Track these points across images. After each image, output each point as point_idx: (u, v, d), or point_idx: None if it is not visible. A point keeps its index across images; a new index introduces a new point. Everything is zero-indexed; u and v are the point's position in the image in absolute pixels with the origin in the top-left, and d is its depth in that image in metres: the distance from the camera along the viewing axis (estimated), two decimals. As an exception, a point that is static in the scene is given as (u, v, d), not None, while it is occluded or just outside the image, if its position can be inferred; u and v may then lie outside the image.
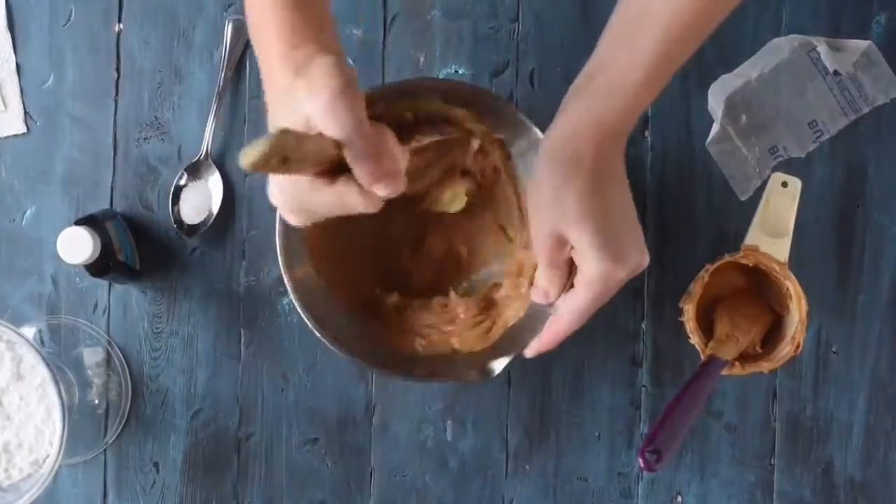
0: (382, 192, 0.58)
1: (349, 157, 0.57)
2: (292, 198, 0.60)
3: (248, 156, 0.50)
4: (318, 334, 0.75)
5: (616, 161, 0.64)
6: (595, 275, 0.63)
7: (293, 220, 0.62)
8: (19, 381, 0.79)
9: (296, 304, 0.75)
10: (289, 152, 0.52)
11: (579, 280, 0.65)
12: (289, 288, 0.75)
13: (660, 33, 0.62)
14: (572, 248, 0.64)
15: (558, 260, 0.66)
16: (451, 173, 0.78)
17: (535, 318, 0.77)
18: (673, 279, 0.84)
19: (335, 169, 0.58)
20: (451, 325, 0.80)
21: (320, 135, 0.56)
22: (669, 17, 0.61)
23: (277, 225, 0.75)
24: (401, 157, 0.61)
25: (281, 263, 0.75)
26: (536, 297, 0.68)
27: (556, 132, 0.64)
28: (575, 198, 0.62)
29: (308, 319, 0.76)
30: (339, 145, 0.57)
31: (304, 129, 0.57)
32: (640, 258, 0.64)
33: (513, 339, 0.78)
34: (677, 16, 0.61)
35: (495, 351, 0.78)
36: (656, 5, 0.62)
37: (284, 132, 0.52)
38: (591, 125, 0.63)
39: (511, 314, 0.79)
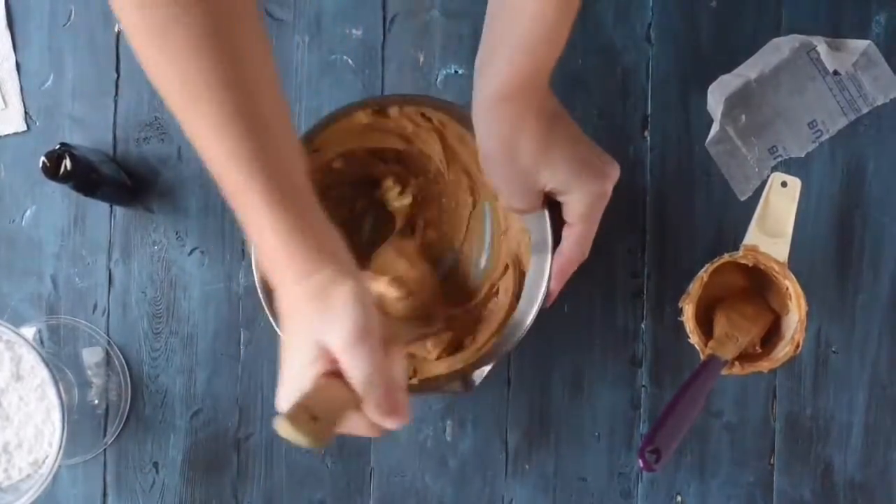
0: (391, 426, 0.58)
1: (364, 402, 0.57)
2: None
3: (284, 432, 0.53)
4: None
5: (546, 98, 0.68)
6: (586, 202, 0.67)
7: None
8: (19, 381, 0.79)
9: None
10: (317, 413, 0.54)
11: (569, 215, 0.68)
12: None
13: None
14: (549, 191, 0.67)
15: (537, 204, 0.70)
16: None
17: (514, 326, 0.77)
18: (673, 279, 0.84)
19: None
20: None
21: (337, 383, 0.56)
22: None
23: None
24: (404, 379, 0.60)
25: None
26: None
27: (481, 101, 0.67)
28: (532, 146, 0.65)
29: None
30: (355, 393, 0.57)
31: (318, 357, 0.56)
32: (613, 165, 0.68)
33: (493, 348, 0.78)
34: None
35: (478, 361, 0.78)
36: None
37: (304, 407, 0.54)
38: (515, 80, 0.65)
39: (496, 325, 0.79)
